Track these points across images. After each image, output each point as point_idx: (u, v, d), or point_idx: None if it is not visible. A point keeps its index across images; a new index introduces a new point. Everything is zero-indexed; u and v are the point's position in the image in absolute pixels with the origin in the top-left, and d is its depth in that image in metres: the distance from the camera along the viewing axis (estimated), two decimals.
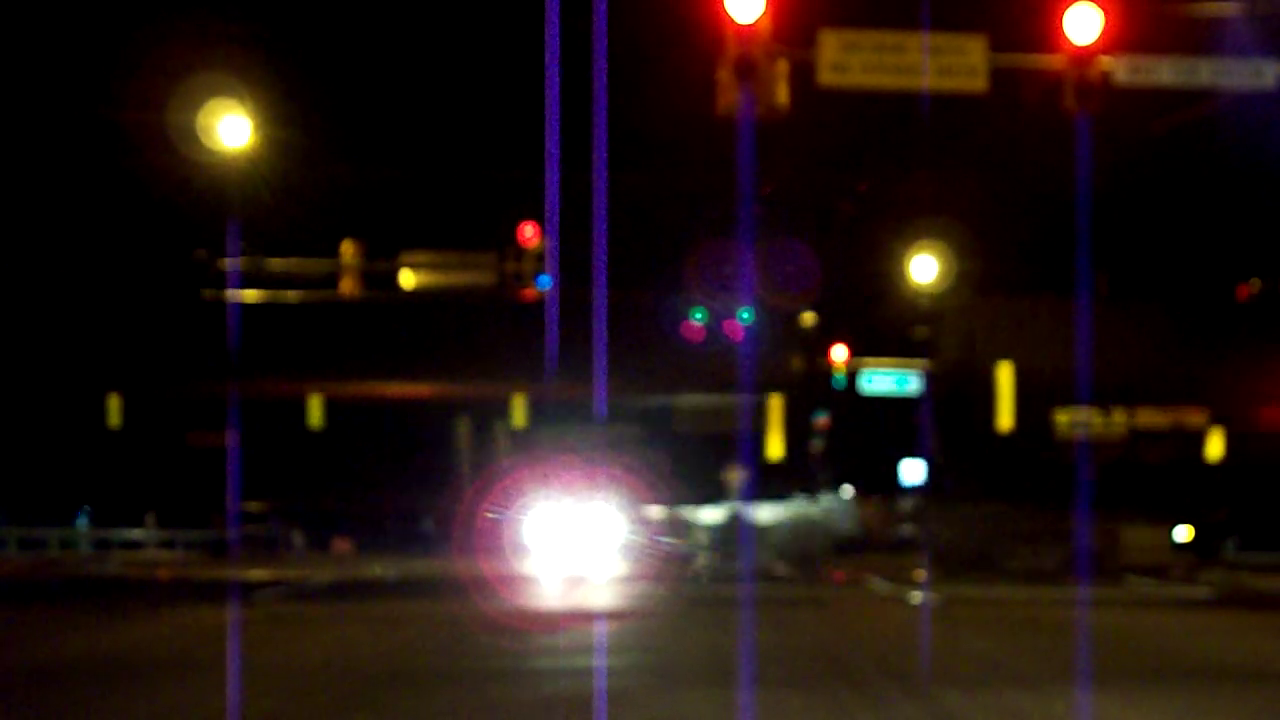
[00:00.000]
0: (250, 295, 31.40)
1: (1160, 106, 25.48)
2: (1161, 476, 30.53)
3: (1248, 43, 22.57)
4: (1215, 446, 29.74)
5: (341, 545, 49.11)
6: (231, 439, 28.12)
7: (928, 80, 21.44)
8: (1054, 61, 22.03)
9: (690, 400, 31.68)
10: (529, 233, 35.61)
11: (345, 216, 39.51)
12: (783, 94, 21.15)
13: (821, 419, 32.93)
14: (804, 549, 30.14)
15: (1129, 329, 30.89)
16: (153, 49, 36.25)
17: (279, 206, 36.53)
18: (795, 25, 21.41)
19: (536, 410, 31.81)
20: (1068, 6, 21.60)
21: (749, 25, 20.52)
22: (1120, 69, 21.89)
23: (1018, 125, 21.34)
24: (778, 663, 13.66)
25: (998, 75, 21.79)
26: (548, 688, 11.96)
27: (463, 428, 32.96)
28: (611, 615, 19.73)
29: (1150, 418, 30.00)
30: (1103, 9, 21.61)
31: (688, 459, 32.27)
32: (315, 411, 33.59)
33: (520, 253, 34.98)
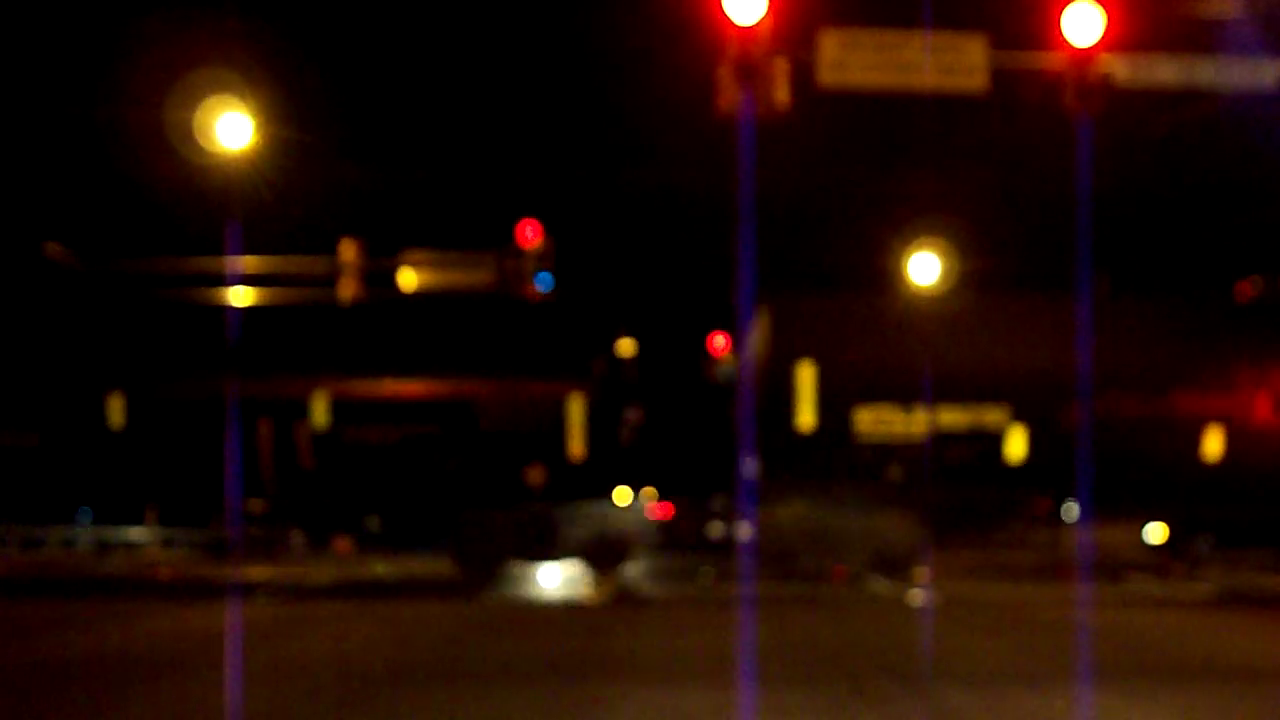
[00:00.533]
0: (249, 295, 31.42)
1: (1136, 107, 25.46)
2: (962, 475, 30.58)
3: (1248, 42, 22.59)
4: (1016, 445, 29.75)
5: (342, 545, 49.12)
6: (232, 439, 28.09)
7: (928, 80, 21.47)
8: (1054, 61, 22.06)
9: (496, 394, 30.89)
10: (529, 233, 35.63)
11: (345, 216, 39.54)
12: (783, 94, 21.18)
13: (632, 414, 32.20)
14: (603, 550, 29.79)
15: (939, 326, 30.88)
16: (152, 48, 36.26)
17: (278, 205, 36.55)
18: (795, 25, 21.43)
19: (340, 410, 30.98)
20: (1067, 6, 21.63)
21: (749, 26, 20.55)
22: (1120, 69, 21.92)
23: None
24: (777, 661, 13.68)
25: (998, 74, 21.83)
26: (549, 686, 11.97)
27: (264, 429, 32.13)
28: (611, 614, 19.76)
29: (952, 416, 30.02)
30: (1103, 9, 21.63)
31: (494, 459, 31.24)
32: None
33: (520, 253, 35.00)
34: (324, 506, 31.89)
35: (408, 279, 35.25)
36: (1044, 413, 29.28)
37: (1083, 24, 21.54)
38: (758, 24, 20.52)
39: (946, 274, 30.89)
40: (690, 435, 34.30)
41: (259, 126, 33.14)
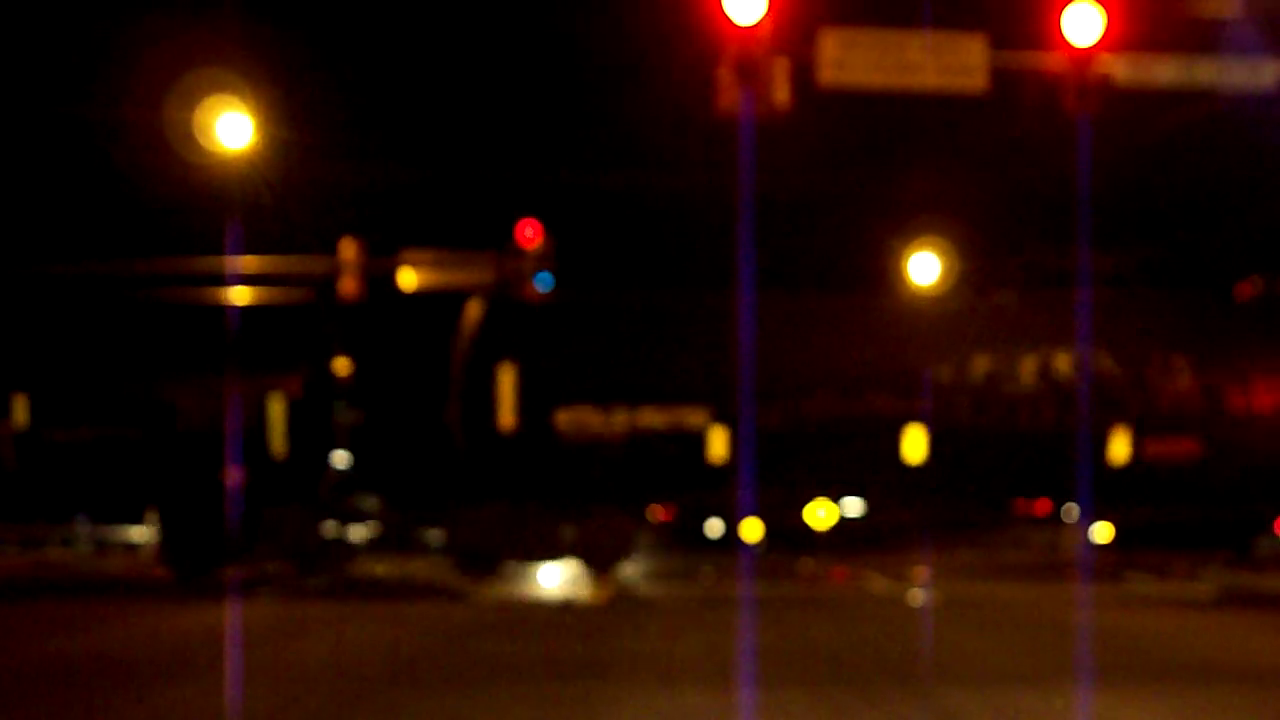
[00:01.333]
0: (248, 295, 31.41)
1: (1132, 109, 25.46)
2: (666, 474, 30.70)
3: (1248, 43, 22.58)
4: (717, 445, 29.81)
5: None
6: (232, 438, 28.08)
7: (928, 79, 21.47)
8: (1054, 61, 22.06)
9: (190, 391, 30.13)
10: (529, 233, 35.62)
11: (345, 216, 39.53)
12: (783, 94, 21.17)
13: (346, 415, 31.37)
14: (308, 548, 29.59)
15: (642, 327, 30.94)
16: (152, 48, 36.25)
17: (278, 205, 36.55)
18: (795, 25, 21.43)
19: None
20: (1067, 6, 21.63)
21: (749, 26, 20.55)
22: (1120, 69, 21.91)
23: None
24: (777, 661, 13.68)
25: (998, 74, 21.83)
26: (549, 686, 11.96)
27: None
28: (611, 614, 19.75)
29: (652, 417, 30.08)
30: (1103, 9, 21.62)
31: (192, 459, 30.40)
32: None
33: (521, 252, 35.00)
34: (28, 506, 31.64)
35: (407, 279, 35.25)
36: (744, 413, 29.28)
37: (1083, 24, 21.54)
38: (758, 24, 20.52)
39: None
40: (412, 437, 33.59)
41: (259, 126, 33.16)
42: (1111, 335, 29.36)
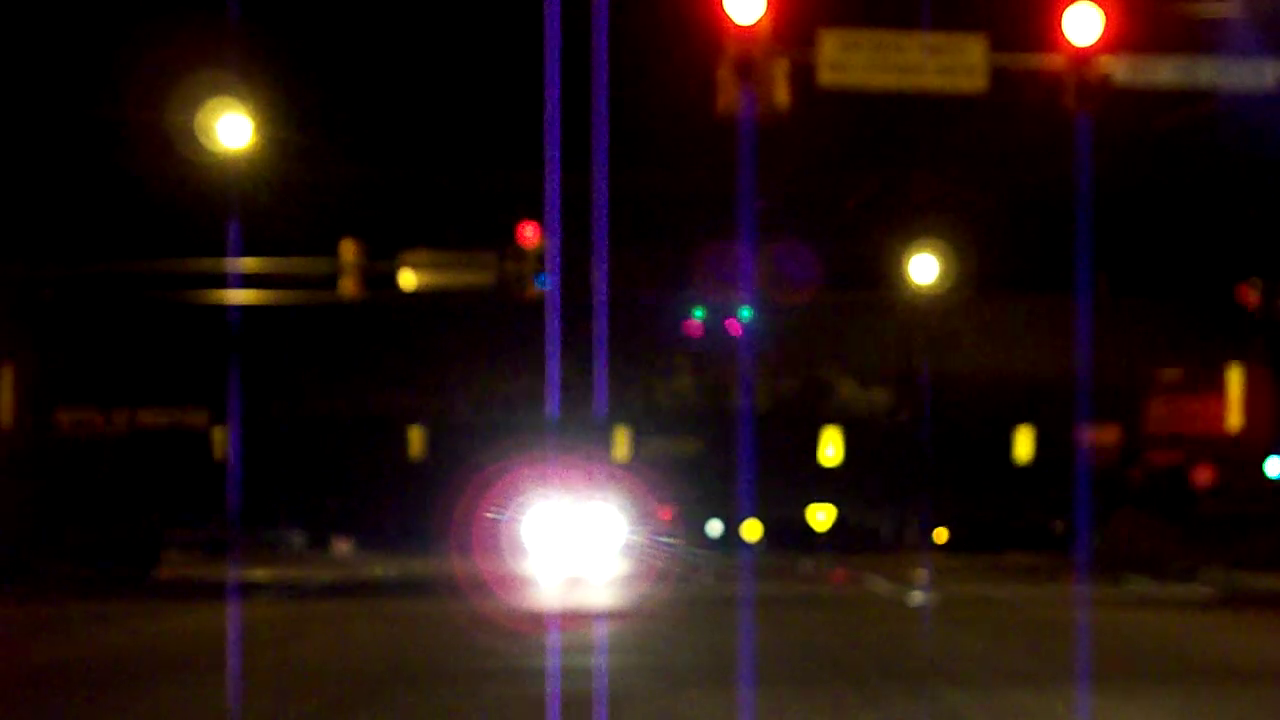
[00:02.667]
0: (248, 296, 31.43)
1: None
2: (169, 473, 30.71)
3: (1248, 43, 22.58)
4: (219, 445, 29.86)
5: (341, 545, 49.16)
6: (232, 439, 28.12)
7: (927, 80, 21.47)
8: (1054, 61, 22.05)
9: None
10: (529, 233, 35.63)
11: (345, 216, 39.53)
12: (783, 94, 21.17)
13: None
14: None
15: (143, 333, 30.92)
16: (152, 49, 36.25)
17: (278, 206, 36.55)
18: (795, 25, 21.44)
19: None
20: (1068, 6, 21.64)
21: (749, 26, 20.55)
22: (1120, 69, 21.91)
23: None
24: (777, 662, 13.68)
25: (997, 75, 21.83)
26: (551, 687, 11.96)
27: None
28: (611, 615, 19.74)
29: (153, 417, 30.06)
30: (1103, 9, 21.63)
31: None
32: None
33: (520, 253, 35.00)
34: None
35: (407, 279, 35.25)
36: (255, 413, 29.31)
37: (1083, 24, 21.54)
38: (757, 23, 20.52)
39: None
40: None
41: (260, 128, 33.17)
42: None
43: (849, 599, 24.01)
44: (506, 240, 35.38)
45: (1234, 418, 27.44)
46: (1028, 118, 25.68)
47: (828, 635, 17.03)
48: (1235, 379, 27.46)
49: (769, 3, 20.77)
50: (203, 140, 31.83)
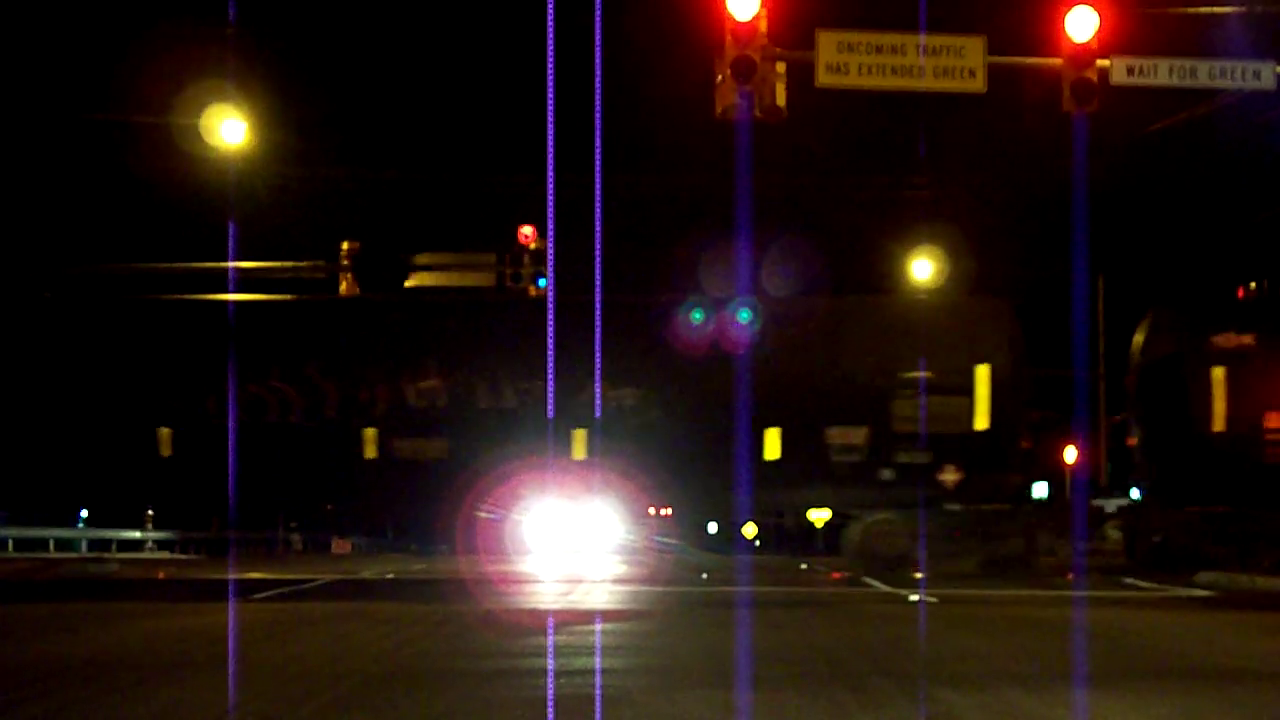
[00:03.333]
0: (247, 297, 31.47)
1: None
2: None
3: (1247, 43, 22.61)
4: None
5: (341, 546, 49.18)
6: (231, 439, 28.16)
7: (925, 81, 21.50)
8: (1052, 63, 22.07)
9: None
10: (527, 233, 35.68)
11: (345, 217, 39.57)
12: (781, 95, 21.21)
13: None
14: None
15: None
16: (152, 51, 36.29)
17: (278, 207, 36.58)
18: (793, 27, 21.47)
19: None
20: (1065, 8, 21.67)
21: (747, 22, 20.56)
22: (1118, 70, 21.95)
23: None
24: (776, 662, 13.70)
25: (995, 76, 21.85)
26: (546, 688, 11.98)
27: None
28: (609, 615, 19.77)
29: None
30: (1100, 10, 21.65)
31: None
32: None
33: (519, 254, 35.05)
34: None
35: (407, 279, 35.29)
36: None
37: (1080, 25, 21.58)
38: (754, 20, 20.54)
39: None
40: None
41: (261, 131, 33.21)
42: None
43: (847, 598, 24.02)
44: (506, 241, 35.44)
45: (981, 417, 27.60)
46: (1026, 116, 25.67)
47: (826, 634, 17.05)
48: (983, 378, 27.61)
49: (765, 1, 20.80)
50: (203, 139, 31.91)
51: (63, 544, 46.33)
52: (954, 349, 28.02)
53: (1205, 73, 21.85)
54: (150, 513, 46.30)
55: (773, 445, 28.05)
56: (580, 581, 28.52)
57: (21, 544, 45.36)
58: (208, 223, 35.51)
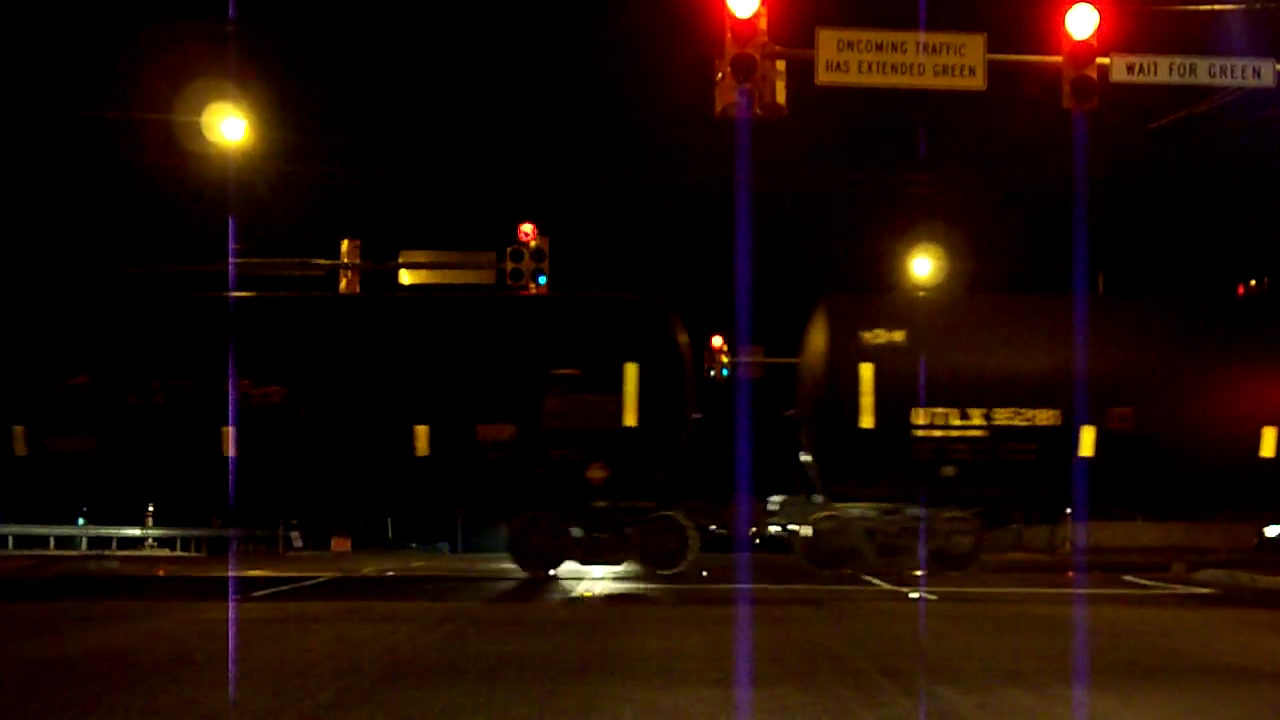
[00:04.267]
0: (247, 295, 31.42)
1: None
2: None
3: (1247, 41, 22.61)
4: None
5: (341, 544, 49.17)
6: (232, 438, 28.13)
7: (925, 79, 21.49)
8: (1052, 60, 22.07)
9: None
10: (527, 231, 35.68)
11: (344, 216, 39.54)
12: (781, 93, 21.21)
13: None
14: None
15: None
16: (153, 49, 36.26)
17: (277, 206, 36.56)
18: (793, 24, 21.46)
19: None
20: (1066, 5, 21.67)
21: (747, 19, 20.56)
22: (1118, 67, 21.94)
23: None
24: (776, 660, 13.71)
25: (995, 74, 21.84)
26: (548, 686, 11.99)
27: None
28: (609, 612, 19.78)
29: None
30: (1100, 7, 21.64)
31: None
32: None
33: (519, 252, 35.06)
34: None
35: (407, 279, 35.31)
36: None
37: (1080, 23, 21.58)
38: (754, 17, 20.54)
39: None
40: None
41: (261, 128, 33.20)
42: None
43: (847, 597, 24.02)
44: (506, 240, 35.45)
45: (629, 414, 27.70)
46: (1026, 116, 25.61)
47: (825, 633, 17.06)
48: (631, 376, 27.71)
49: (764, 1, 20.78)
50: (204, 137, 31.90)
51: (63, 541, 46.32)
52: (604, 348, 28.14)
53: (1205, 70, 21.86)
54: (150, 509, 46.30)
55: (422, 442, 28.10)
56: (580, 579, 28.53)
57: (21, 541, 45.36)
58: (208, 220, 35.53)
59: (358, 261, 35.27)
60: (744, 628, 17.82)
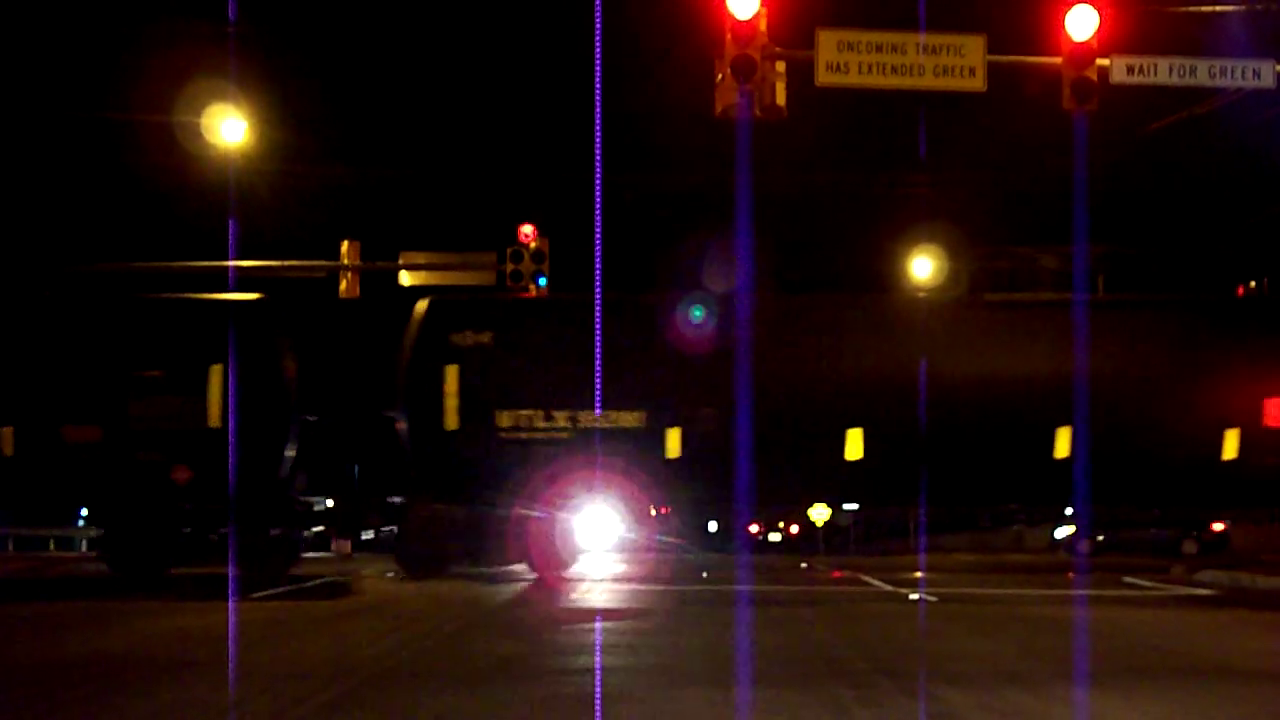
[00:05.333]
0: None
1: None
2: None
3: (1247, 42, 22.60)
4: None
5: (341, 545, 49.17)
6: (233, 437, 28.13)
7: (925, 80, 21.48)
8: (1052, 61, 22.06)
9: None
10: (528, 232, 35.66)
11: (344, 217, 39.53)
12: (781, 95, 21.20)
13: None
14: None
15: None
16: (153, 50, 36.24)
17: (277, 206, 36.55)
18: (792, 26, 21.45)
19: None
20: (1065, 6, 21.66)
21: (747, 21, 20.55)
22: (1118, 69, 21.93)
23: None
24: (777, 661, 13.71)
25: (995, 75, 21.82)
26: (548, 687, 11.99)
27: None
28: (610, 614, 19.78)
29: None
30: (1100, 9, 21.63)
31: None
32: None
33: (520, 253, 35.05)
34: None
35: (407, 279, 35.29)
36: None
37: (1080, 24, 21.57)
38: (754, 19, 20.53)
39: None
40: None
41: (261, 129, 33.19)
42: None
43: (847, 597, 24.03)
44: (506, 240, 35.43)
45: (214, 415, 27.85)
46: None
47: (825, 633, 17.07)
48: (215, 378, 27.84)
49: (765, 1, 20.78)
50: (204, 138, 31.90)
51: (63, 543, 46.32)
52: (190, 349, 28.23)
53: (1205, 72, 21.86)
54: None
55: (7, 443, 28.36)
56: (581, 580, 28.53)
57: (21, 543, 45.36)
58: (208, 221, 35.52)
59: (358, 263, 35.24)
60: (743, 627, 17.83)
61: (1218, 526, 49.92)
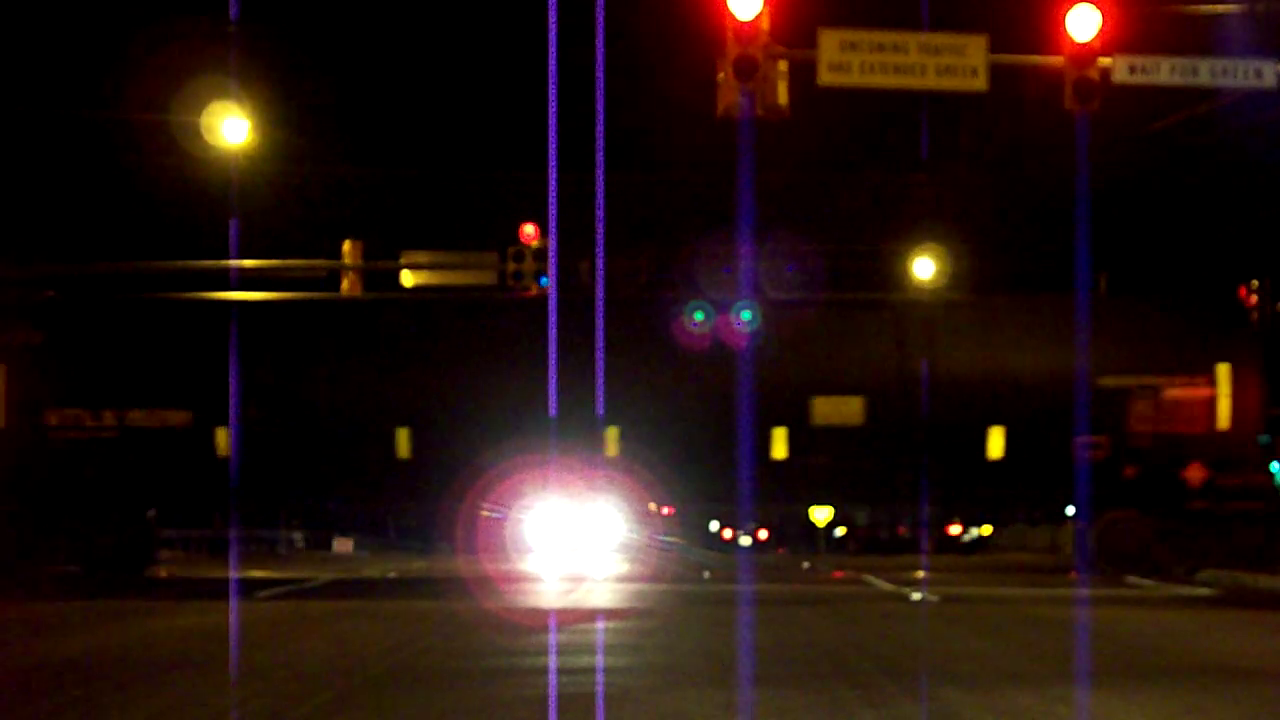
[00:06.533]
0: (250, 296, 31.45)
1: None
2: None
3: (1248, 42, 22.58)
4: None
5: (342, 545, 49.16)
6: (234, 436, 28.18)
7: (927, 80, 21.47)
8: (1054, 61, 22.05)
9: None
10: (529, 232, 35.65)
11: (345, 216, 39.52)
12: (783, 94, 21.19)
13: None
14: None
15: None
16: (154, 49, 36.24)
17: (279, 207, 36.55)
18: (794, 25, 21.45)
19: None
20: (1067, 6, 21.65)
21: (749, 22, 20.54)
22: (1120, 68, 21.93)
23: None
24: (777, 661, 13.70)
25: (997, 75, 21.81)
26: (548, 686, 11.98)
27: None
28: (611, 614, 19.77)
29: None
30: (1102, 9, 21.62)
31: None
32: None
33: (521, 253, 35.02)
34: None
35: (407, 279, 35.28)
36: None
37: (1082, 24, 21.56)
38: (756, 19, 20.52)
39: None
40: None
41: (263, 129, 33.18)
42: None
43: (847, 597, 24.03)
44: (507, 240, 35.41)
45: None
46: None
47: (827, 633, 17.06)
48: None
49: (767, 1, 20.77)
50: (205, 138, 31.90)
51: None
52: None
53: (1207, 71, 21.85)
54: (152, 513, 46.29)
55: None
56: (582, 580, 28.53)
57: None
58: (210, 221, 35.50)
59: (360, 262, 35.22)
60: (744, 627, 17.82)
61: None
